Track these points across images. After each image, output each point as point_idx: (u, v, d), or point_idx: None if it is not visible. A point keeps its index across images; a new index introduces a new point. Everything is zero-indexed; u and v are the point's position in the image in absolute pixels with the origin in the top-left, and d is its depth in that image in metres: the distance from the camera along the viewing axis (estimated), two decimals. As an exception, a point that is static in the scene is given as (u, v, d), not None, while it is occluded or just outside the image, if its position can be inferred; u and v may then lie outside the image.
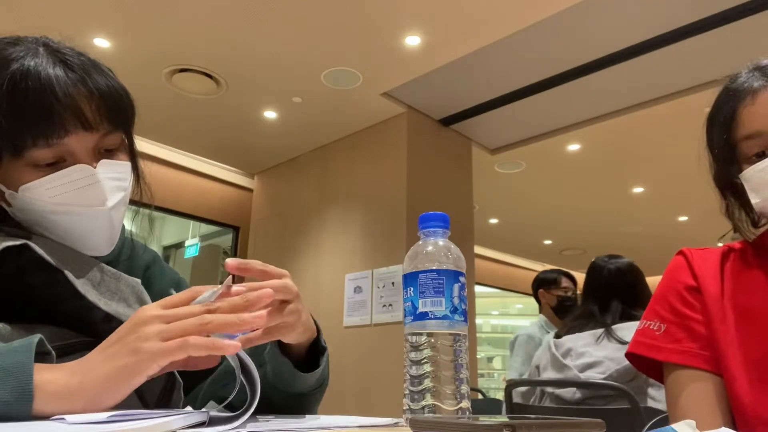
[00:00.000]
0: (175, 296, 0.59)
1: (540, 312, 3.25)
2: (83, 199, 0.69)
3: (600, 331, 1.95)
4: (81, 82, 0.69)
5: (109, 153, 0.73)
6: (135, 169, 0.78)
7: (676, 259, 0.92)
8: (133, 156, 0.78)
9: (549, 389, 2.01)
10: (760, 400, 0.75)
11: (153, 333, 0.53)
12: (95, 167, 0.70)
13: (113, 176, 0.72)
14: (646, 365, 0.89)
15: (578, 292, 3.21)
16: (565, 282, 3.18)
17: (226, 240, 5.92)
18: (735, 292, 0.83)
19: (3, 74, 0.66)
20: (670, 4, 3.22)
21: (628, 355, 0.89)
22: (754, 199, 0.79)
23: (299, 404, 0.77)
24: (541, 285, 3.22)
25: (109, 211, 0.71)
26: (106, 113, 0.71)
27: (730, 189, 0.85)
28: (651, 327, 0.87)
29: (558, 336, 2.09)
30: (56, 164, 0.69)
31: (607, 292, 2.05)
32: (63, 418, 0.47)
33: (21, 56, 0.67)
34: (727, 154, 0.83)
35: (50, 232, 0.71)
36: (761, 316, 0.79)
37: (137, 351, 0.52)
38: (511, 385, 2.12)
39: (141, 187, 0.81)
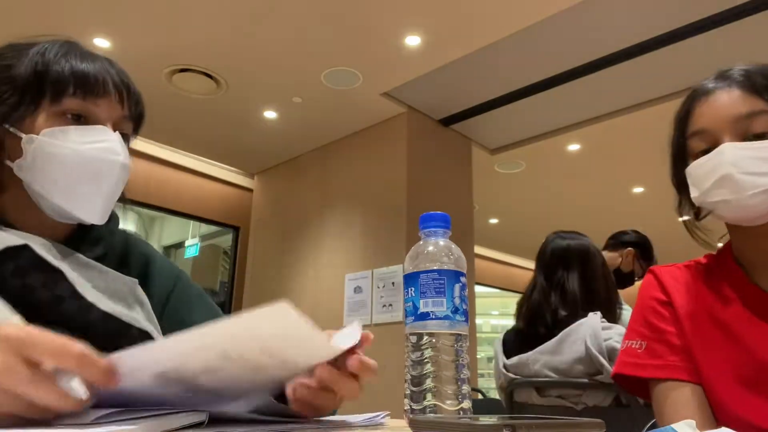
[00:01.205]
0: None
1: None
2: (100, 151, 0.73)
3: None
4: (117, 75, 0.78)
5: None
6: None
7: (646, 278, 0.96)
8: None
9: (544, 358, 1.93)
10: (745, 405, 0.77)
11: None
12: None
13: (123, 148, 0.76)
14: (633, 385, 0.91)
15: None
16: None
17: (226, 240, 5.91)
18: (708, 306, 0.86)
19: (57, 42, 0.76)
20: (670, 4, 3.22)
21: (614, 377, 0.92)
22: (694, 193, 0.83)
23: None
24: None
25: (121, 163, 0.74)
26: (133, 106, 0.79)
27: (683, 186, 0.89)
28: (633, 346, 0.90)
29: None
30: (80, 122, 0.73)
31: None
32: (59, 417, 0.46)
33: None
34: (678, 152, 0.88)
35: (54, 185, 0.71)
36: (735, 326, 0.82)
37: None
38: (511, 385, 2.11)
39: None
